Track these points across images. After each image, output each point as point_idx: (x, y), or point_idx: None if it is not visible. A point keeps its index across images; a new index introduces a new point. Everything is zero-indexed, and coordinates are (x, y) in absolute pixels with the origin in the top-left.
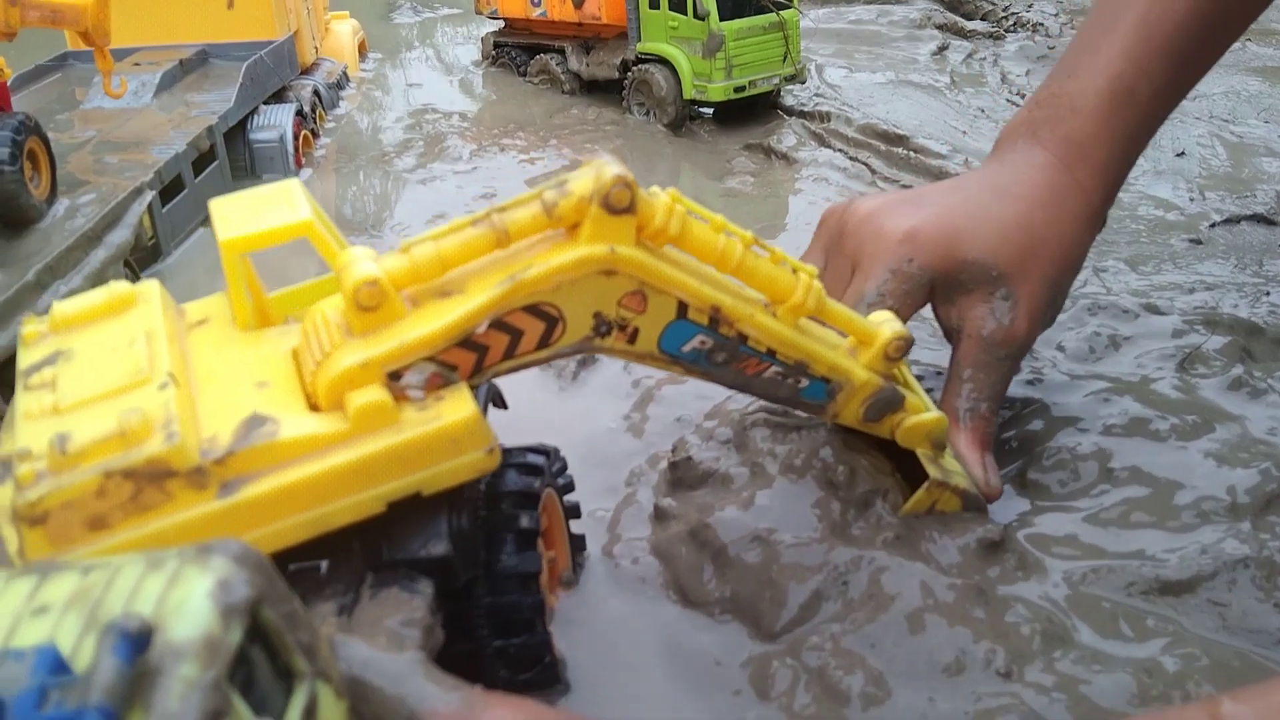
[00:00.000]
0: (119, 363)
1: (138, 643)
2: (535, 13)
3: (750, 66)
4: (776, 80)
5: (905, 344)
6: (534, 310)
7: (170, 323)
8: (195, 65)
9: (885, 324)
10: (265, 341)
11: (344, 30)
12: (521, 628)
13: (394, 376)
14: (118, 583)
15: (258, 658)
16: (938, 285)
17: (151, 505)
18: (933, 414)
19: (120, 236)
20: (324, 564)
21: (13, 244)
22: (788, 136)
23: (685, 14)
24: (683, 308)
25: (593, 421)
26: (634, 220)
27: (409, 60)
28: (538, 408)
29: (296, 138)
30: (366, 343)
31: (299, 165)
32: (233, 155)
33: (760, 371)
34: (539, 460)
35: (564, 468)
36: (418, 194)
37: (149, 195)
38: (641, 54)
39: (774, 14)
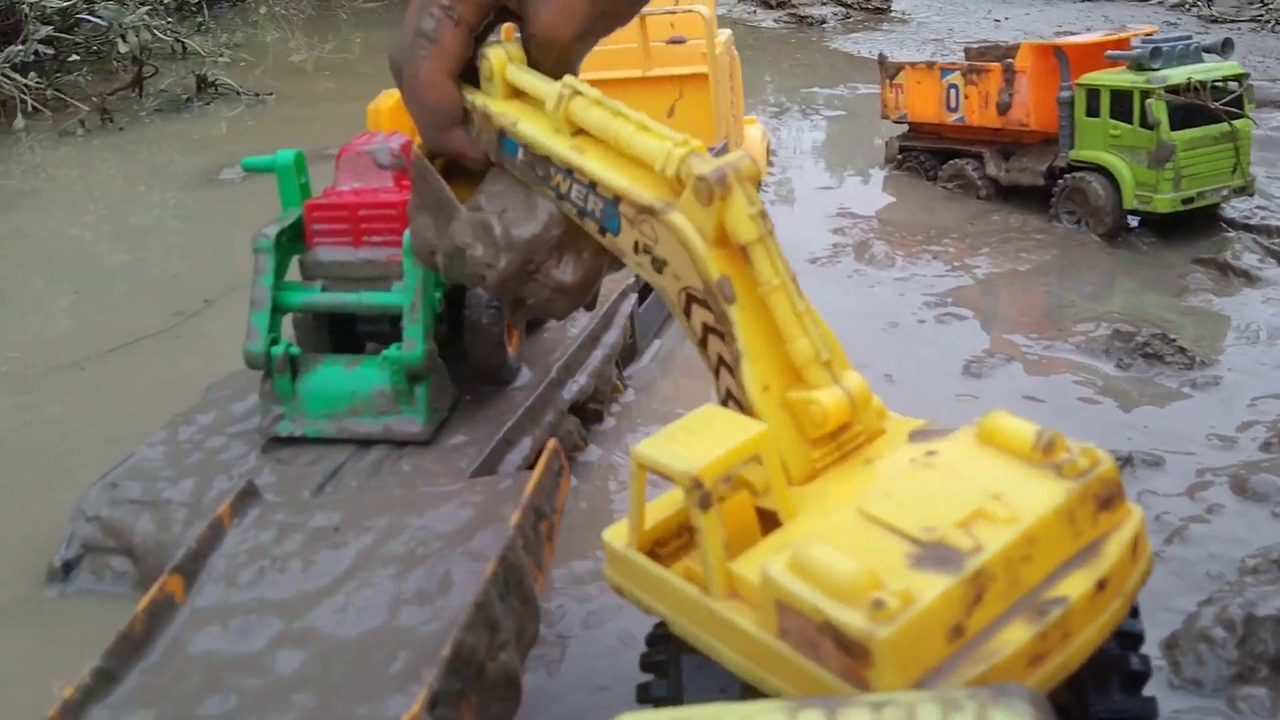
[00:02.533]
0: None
1: None
2: (951, 118)
3: (1199, 178)
4: (1225, 192)
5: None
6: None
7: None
8: None
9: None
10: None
11: (754, 135)
12: None
13: None
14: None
15: None
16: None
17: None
18: None
19: (613, 337)
20: None
21: (534, 342)
22: (1244, 253)
23: (1130, 123)
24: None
25: None
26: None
27: (810, 164)
28: None
29: None
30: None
31: None
32: None
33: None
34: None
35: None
36: (862, 302)
37: (633, 297)
38: (1075, 161)
39: (1226, 124)
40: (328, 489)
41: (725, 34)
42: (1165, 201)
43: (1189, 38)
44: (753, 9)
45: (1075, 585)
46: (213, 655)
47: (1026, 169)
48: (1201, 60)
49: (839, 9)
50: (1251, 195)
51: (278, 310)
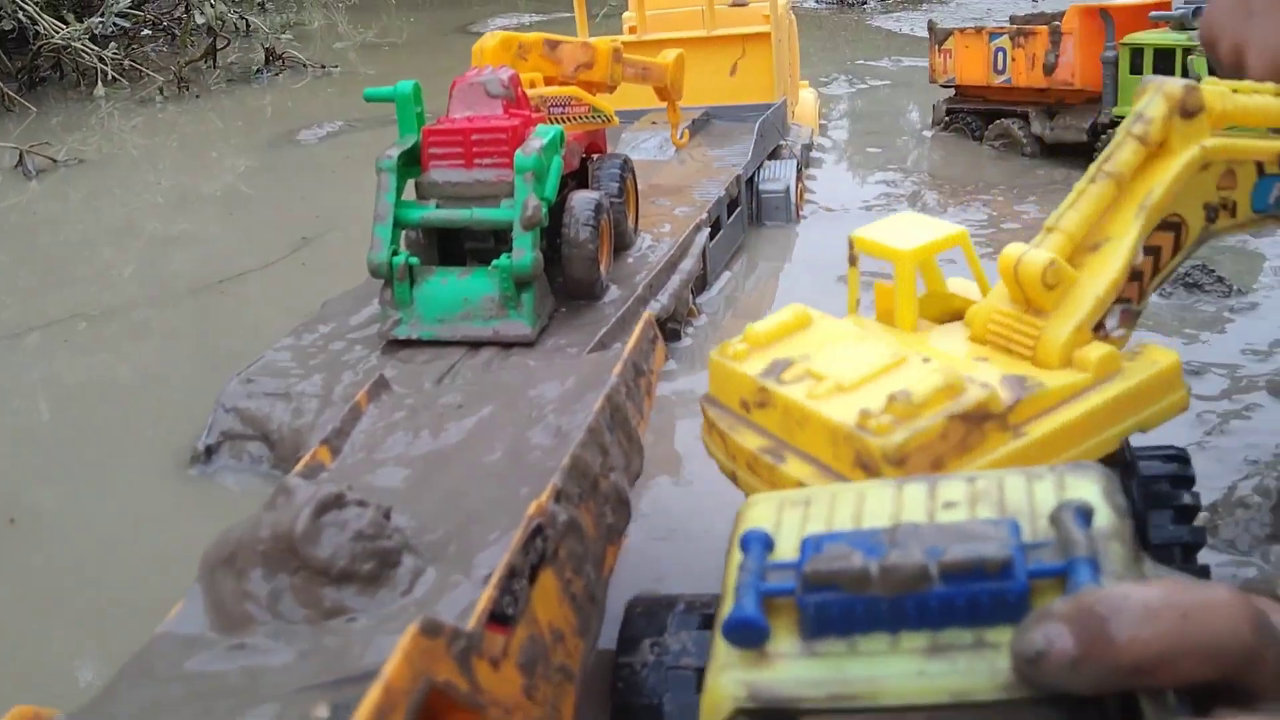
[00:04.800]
0: (863, 354)
1: (1087, 518)
2: (999, 80)
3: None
4: None
5: None
6: (1164, 225)
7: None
8: (703, 125)
9: None
10: (937, 335)
11: (808, 97)
12: None
13: (1097, 329)
14: (1007, 487)
15: None
16: None
17: (972, 447)
18: None
19: (689, 265)
20: None
21: (619, 266)
22: None
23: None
24: (1259, 167)
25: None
26: (1206, 117)
27: (859, 127)
28: None
29: (796, 190)
30: (1066, 311)
31: (798, 216)
32: None
33: None
34: (1181, 453)
35: (1193, 481)
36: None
37: (705, 232)
38: (1117, 117)
39: None
40: (444, 382)
41: None
42: None
43: None
44: None
45: None
46: (366, 492)
47: (1070, 126)
48: None
49: None
50: None
51: (398, 225)
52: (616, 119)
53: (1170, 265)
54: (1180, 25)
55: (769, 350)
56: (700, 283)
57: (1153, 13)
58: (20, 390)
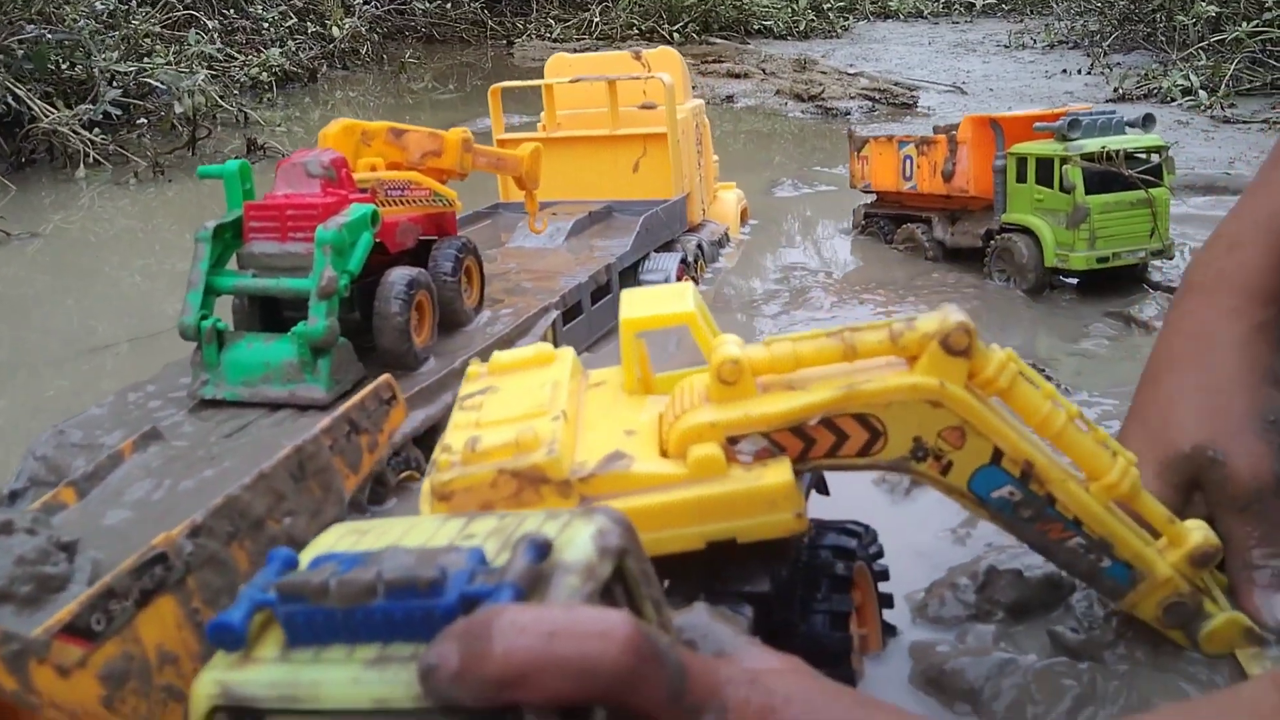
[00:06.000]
0: (529, 399)
1: (541, 551)
2: (906, 185)
3: (1115, 239)
4: (1142, 254)
5: (1213, 552)
6: (862, 420)
7: (574, 379)
8: (601, 217)
9: (1196, 530)
10: (642, 405)
11: (729, 198)
12: (830, 661)
13: (732, 441)
14: (525, 524)
15: (618, 594)
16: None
17: (527, 503)
18: (1225, 615)
19: (526, 343)
20: (665, 583)
21: (446, 340)
22: (1149, 307)
23: (1051, 187)
24: (997, 455)
25: (920, 530)
26: (967, 364)
27: (784, 228)
28: (866, 509)
29: (679, 280)
30: (719, 409)
31: None
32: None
33: (1064, 539)
34: (857, 528)
35: (880, 553)
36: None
37: (554, 314)
38: (1006, 223)
39: (1142, 191)
40: (232, 439)
41: (695, 103)
42: (1081, 259)
43: (1113, 113)
44: (785, 101)
45: None
46: (91, 530)
47: (968, 232)
48: (1124, 133)
49: (866, 103)
50: (1171, 259)
51: (210, 292)
52: (460, 204)
53: (850, 460)
54: (1061, 136)
55: (496, 377)
56: None
57: (1037, 124)
58: None
